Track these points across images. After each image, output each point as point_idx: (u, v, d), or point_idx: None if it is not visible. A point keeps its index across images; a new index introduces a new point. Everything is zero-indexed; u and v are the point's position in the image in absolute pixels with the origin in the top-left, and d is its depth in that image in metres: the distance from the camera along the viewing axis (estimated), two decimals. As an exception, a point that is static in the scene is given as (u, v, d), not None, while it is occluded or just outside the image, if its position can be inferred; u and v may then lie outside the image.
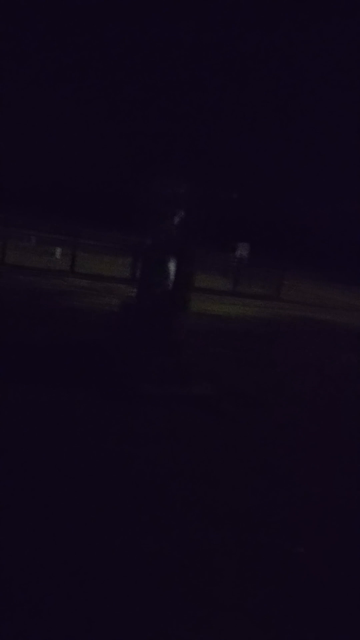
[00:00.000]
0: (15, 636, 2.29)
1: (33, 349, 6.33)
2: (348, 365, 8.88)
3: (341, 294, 22.64)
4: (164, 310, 6.00)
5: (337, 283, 26.45)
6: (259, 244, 24.59)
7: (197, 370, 6.05)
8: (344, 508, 3.87)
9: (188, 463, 4.11)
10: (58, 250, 16.88)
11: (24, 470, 3.57)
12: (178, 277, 5.99)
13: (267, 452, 4.62)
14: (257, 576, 2.96)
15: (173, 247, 5.96)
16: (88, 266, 14.44)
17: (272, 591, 2.86)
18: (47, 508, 3.20)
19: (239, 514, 3.52)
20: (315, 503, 3.91)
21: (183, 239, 5.94)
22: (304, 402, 6.36)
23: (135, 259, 14.57)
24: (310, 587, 2.96)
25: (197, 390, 5.72)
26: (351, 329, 13.14)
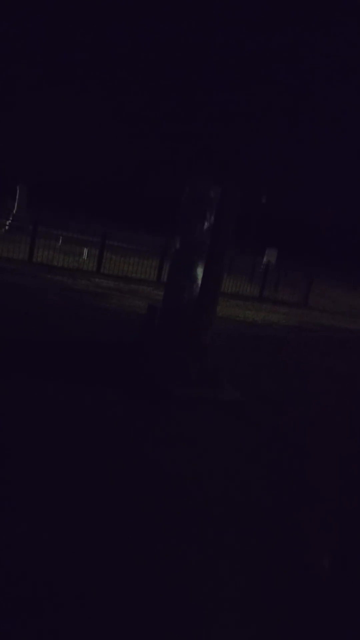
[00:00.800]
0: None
1: (60, 348, 6.32)
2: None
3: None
4: (191, 314, 5.91)
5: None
6: (288, 249, 24.34)
7: (223, 374, 5.94)
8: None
9: (210, 466, 4.02)
10: (85, 251, 16.96)
11: (49, 464, 3.54)
12: (206, 281, 5.90)
13: (293, 458, 4.50)
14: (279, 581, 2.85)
15: (202, 250, 5.87)
16: (115, 267, 14.45)
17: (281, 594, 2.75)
18: (63, 502, 3.15)
19: (260, 518, 3.42)
20: (340, 509, 3.77)
21: (213, 242, 5.84)
22: (330, 409, 6.20)
23: (162, 261, 14.52)
24: (322, 590, 2.84)
25: (223, 394, 5.61)
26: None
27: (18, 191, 19.95)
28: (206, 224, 5.85)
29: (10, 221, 19.58)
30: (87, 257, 16.40)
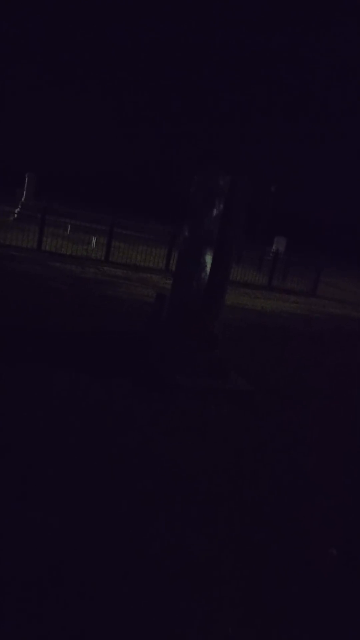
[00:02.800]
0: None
1: (67, 337, 6.35)
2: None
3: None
4: (199, 303, 5.91)
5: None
6: (297, 238, 24.18)
7: (231, 364, 5.94)
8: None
9: (215, 457, 4.03)
10: (94, 239, 16.94)
11: (54, 454, 3.56)
12: (215, 270, 5.88)
13: (298, 450, 4.50)
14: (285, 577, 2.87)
15: (211, 239, 5.85)
16: (123, 256, 14.44)
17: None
18: (67, 492, 3.18)
19: (263, 510, 3.43)
20: (345, 502, 3.78)
21: (221, 231, 5.81)
22: (337, 401, 6.19)
23: (171, 250, 14.48)
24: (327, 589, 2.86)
25: (231, 384, 5.62)
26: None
27: (27, 180, 19.92)
28: (215, 213, 5.82)
29: (19, 210, 19.58)
30: (95, 245, 16.39)
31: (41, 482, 3.26)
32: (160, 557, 2.84)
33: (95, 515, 3.06)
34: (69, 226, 19.06)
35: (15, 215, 19.44)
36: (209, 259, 5.87)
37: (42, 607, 2.37)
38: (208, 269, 5.86)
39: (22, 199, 20.03)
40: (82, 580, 2.56)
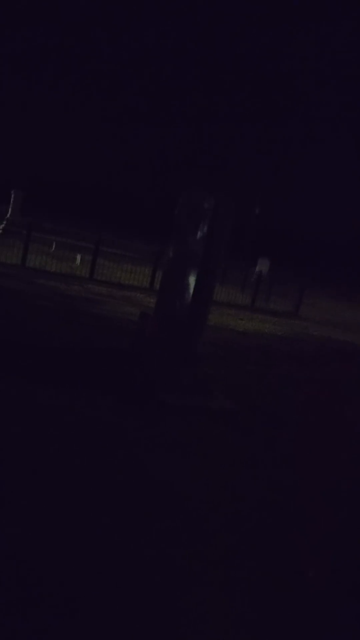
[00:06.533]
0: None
1: (51, 354, 6.33)
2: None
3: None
4: (183, 322, 5.96)
5: None
6: (280, 259, 24.50)
7: (215, 383, 5.99)
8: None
9: (199, 474, 4.05)
10: (79, 257, 16.98)
11: (40, 473, 3.55)
12: (198, 290, 5.95)
13: (280, 467, 4.54)
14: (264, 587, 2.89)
15: (195, 260, 5.93)
16: (108, 274, 14.49)
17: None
18: (57, 504, 3.17)
19: (245, 528, 3.45)
20: (327, 519, 3.81)
21: (206, 252, 5.90)
22: (321, 419, 6.26)
23: (155, 268, 14.57)
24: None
25: (214, 403, 5.66)
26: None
27: (13, 196, 19.97)
28: (199, 234, 5.92)
29: (4, 225, 19.57)
30: (80, 262, 16.42)
31: (22, 498, 3.25)
32: (151, 572, 2.84)
33: (82, 529, 3.05)
34: (54, 243, 19.09)
35: (0, 232, 19.42)
36: (192, 278, 5.95)
37: (39, 609, 2.36)
38: (192, 288, 5.94)
39: (8, 215, 20.04)
40: (76, 584, 2.55)
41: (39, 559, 2.77)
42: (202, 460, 4.37)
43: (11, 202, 20.11)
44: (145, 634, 2.45)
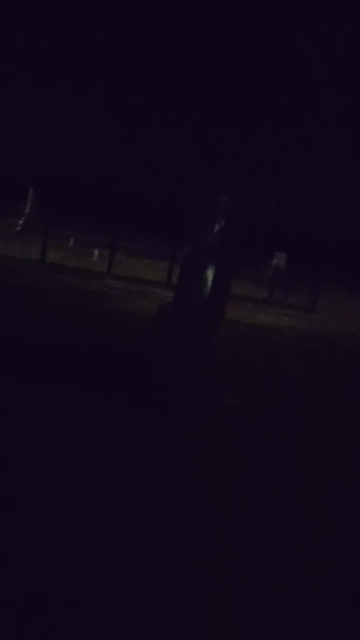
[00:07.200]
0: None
1: (67, 351, 6.41)
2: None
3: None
4: (200, 318, 6.00)
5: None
6: (297, 253, 24.32)
7: (230, 380, 6.01)
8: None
9: (211, 474, 4.08)
10: (96, 252, 17.09)
11: (48, 473, 3.62)
12: (216, 285, 5.99)
13: (292, 468, 4.54)
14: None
15: (212, 255, 5.96)
16: (125, 269, 14.56)
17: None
18: (64, 504, 3.23)
19: (254, 528, 3.48)
20: (335, 522, 3.83)
21: (222, 247, 5.93)
22: (339, 419, 6.23)
23: (172, 263, 14.61)
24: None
25: (229, 401, 5.68)
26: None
27: (30, 192, 20.16)
28: (216, 229, 5.95)
29: (22, 222, 19.78)
30: (98, 258, 16.54)
31: (32, 498, 3.30)
32: (156, 575, 2.87)
33: (87, 530, 3.08)
34: (72, 238, 19.25)
35: (19, 228, 19.63)
36: (210, 274, 5.99)
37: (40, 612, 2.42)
38: (209, 284, 5.97)
39: (26, 211, 20.24)
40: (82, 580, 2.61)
41: (42, 559, 2.82)
42: (210, 459, 4.36)
43: (29, 198, 20.31)
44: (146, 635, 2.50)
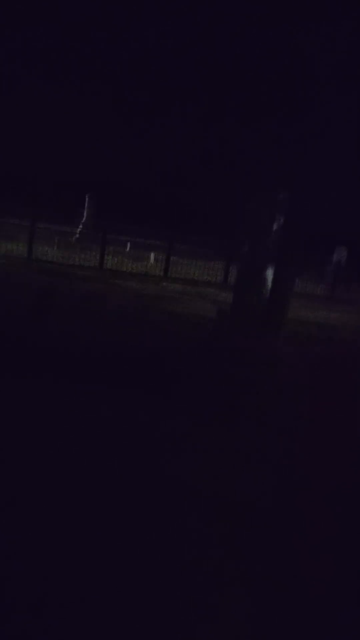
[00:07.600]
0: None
1: (128, 354, 6.44)
2: None
3: None
4: (261, 319, 5.87)
5: None
6: (357, 248, 23.57)
7: (295, 384, 5.84)
8: None
9: (273, 483, 3.97)
10: (152, 255, 17.23)
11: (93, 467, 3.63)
12: (276, 284, 5.84)
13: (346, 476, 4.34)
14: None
15: (272, 254, 5.83)
16: (182, 271, 14.59)
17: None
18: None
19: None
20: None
21: (282, 246, 5.78)
22: None
23: (229, 264, 14.49)
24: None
25: (294, 407, 5.51)
26: None
27: (87, 200, 20.62)
28: (275, 228, 5.81)
29: (80, 229, 20.25)
30: (154, 261, 16.67)
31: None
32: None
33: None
34: (129, 243, 19.50)
35: (77, 235, 20.11)
36: (269, 273, 5.85)
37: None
38: (269, 283, 5.84)
39: (83, 219, 20.72)
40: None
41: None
42: (272, 467, 4.25)
43: (86, 205, 20.77)
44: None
